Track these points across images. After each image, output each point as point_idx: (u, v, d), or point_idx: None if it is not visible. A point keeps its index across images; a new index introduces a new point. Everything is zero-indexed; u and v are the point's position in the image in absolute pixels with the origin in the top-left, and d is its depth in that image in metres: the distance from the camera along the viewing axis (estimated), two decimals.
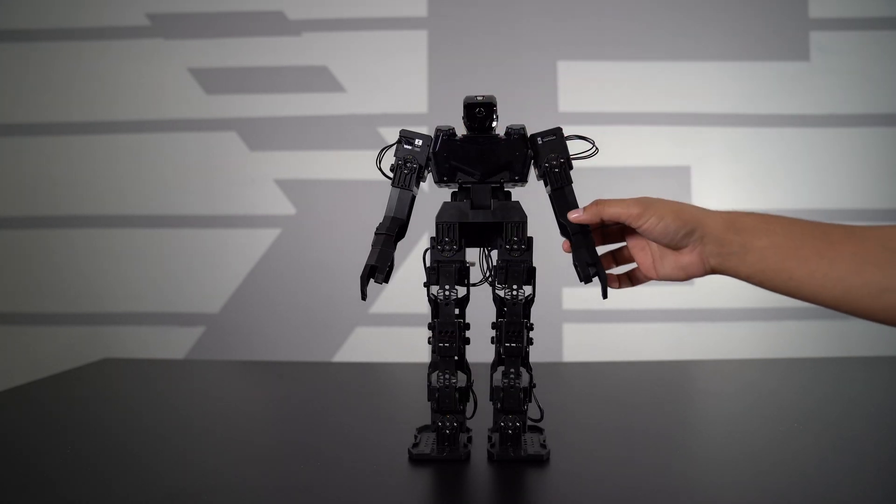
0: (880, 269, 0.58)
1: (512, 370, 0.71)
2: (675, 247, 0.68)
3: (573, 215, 0.70)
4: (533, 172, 0.74)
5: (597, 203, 0.69)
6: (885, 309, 0.59)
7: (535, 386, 0.73)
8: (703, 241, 0.66)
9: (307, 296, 2.03)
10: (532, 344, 0.73)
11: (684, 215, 0.66)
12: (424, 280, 0.72)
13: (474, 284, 0.74)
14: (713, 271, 0.67)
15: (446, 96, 2.01)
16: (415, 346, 1.94)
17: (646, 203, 0.67)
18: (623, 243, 0.75)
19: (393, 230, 0.73)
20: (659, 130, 2.01)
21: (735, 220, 0.65)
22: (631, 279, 0.75)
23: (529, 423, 0.76)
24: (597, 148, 0.74)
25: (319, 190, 2.04)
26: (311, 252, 2.03)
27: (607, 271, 0.73)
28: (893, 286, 0.58)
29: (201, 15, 2.05)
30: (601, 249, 0.74)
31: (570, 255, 0.72)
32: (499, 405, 0.72)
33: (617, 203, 0.68)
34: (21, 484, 0.65)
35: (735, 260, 0.64)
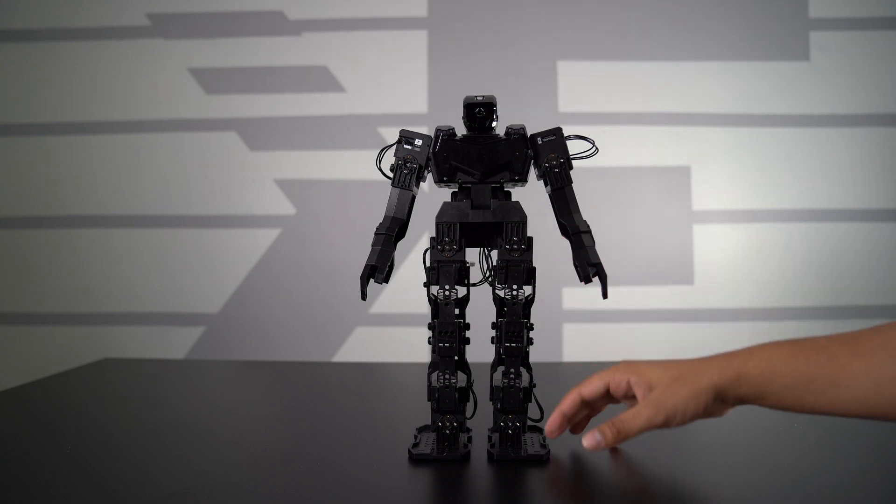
0: None
1: (512, 370, 0.71)
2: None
3: (589, 444, 0.66)
4: (533, 172, 0.74)
5: (616, 429, 0.65)
6: None
7: (535, 386, 0.73)
8: (722, 405, 0.65)
9: (307, 296, 2.03)
10: (532, 344, 0.73)
11: (699, 398, 0.63)
12: (424, 280, 0.72)
13: (474, 284, 0.74)
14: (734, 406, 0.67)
15: (446, 96, 2.01)
16: (415, 346, 1.94)
17: (662, 408, 0.63)
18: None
19: (393, 230, 0.72)
20: (659, 130, 2.01)
21: (743, 375, 0.62)
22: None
23: (529, 423, 0.76)
24: (597, 148, 0.74)
25: (319, 190, 2.04)
26: (311, 252, 2.03)
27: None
28: None
29: (201, 15, 2.05)
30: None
31: (571, 255, 0.72)
32: (499, 405, 0.72)
33: (637, 420, 0.64)
34: (21, 484, 0.65)
35: (754, 403, 0.64)
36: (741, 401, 0.63)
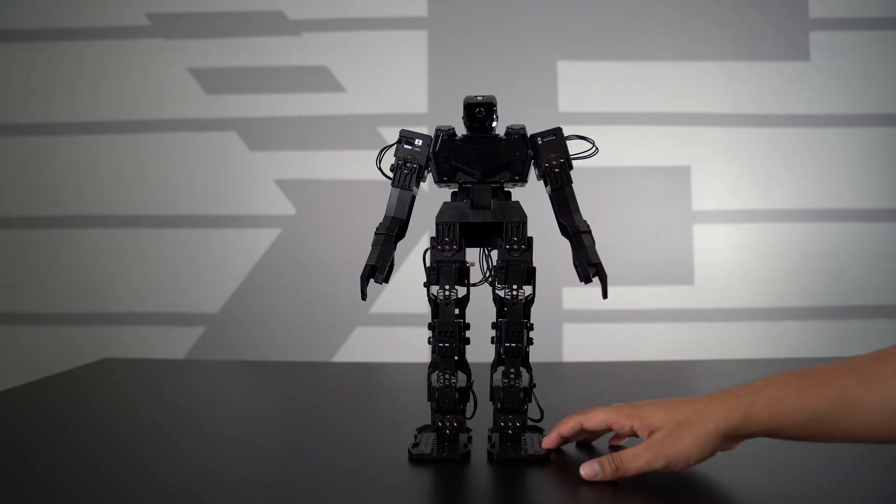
0: None
1: (512, 370, 0.71)
2: None
3: (587, 473, 0.64)
4: (533, 172, 0.74)
5: (615, 465, 0.64)
6: None
7: (535, 386, 0.73)
8: (731, 442, 0.65)
9: (307, 296, 2.03)
10: (532, 344, 0.73)
11: (706, 444, 0.62)
12: (424, 280, 0.72)
13: (474, 284, 0.74)
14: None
15: (446, 96, 2.01)
16: (415, 346, 1.94)
17: (663, 453, 0.62)
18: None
19: (393, 230, 0.72)
20: (659, 130, 2.01)
21: (750, 416, 0.61)
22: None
23: (529, 423, 0.76)
24: (597, 148, 0.74)
25: (319, 190, 2.04)
26: (311, 252, 2.03)
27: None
28: None
29: (201, 15, 2.05)
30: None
31: (571, 255, 0.72)
32: (499, 405, 0.72)
33: (636, 461, 0.63)
34: (21, 484, 0.65)
35: (767, 437, 0.63)
36: (751, 437, 0.63)
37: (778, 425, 0.61)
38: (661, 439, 0.63)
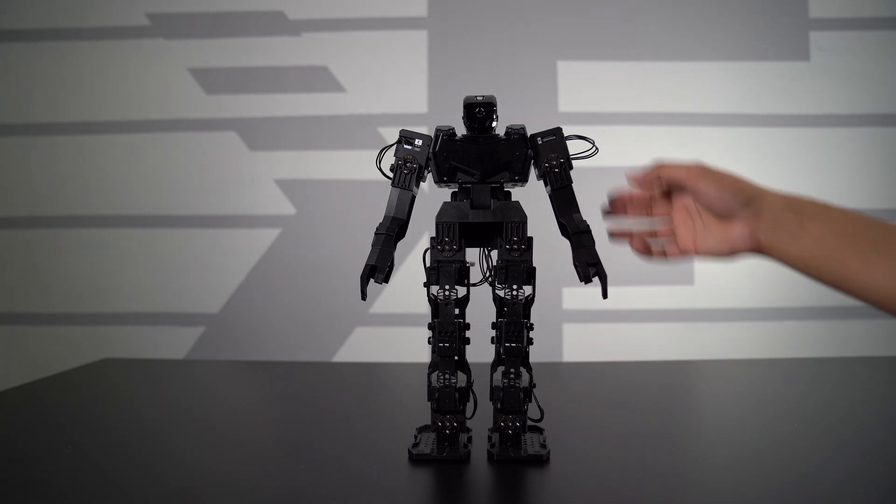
0: None
1: (512, 370, 0.71)
2: (728, 216, 0.65)
3: (631, 174, 0.68)
4: (533, 172, 0.74)
5: (657, 164, 0.67)
6: None
7: (535, 386, 0.73)
8: (758, 215, 0.63)
9: (307, 296, 2.03)
10: (532, 344, 0.73)
11: (743, 185, 0.64)
12: (424, 280, 0.72)
13: (474, 284, 0.74)
14: (760, 249, 0.65)
15: (446, 96, 2.01)
16: (415, 346, 1.94)
17: (706, 168, 0.65)
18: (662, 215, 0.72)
19: (393, 230, 0.72)
20: (659, 130, 2.01)
21: (795, 202, 0.62)
22: (666, 253, 0.71)
23: (529, 423, 0.76)
24: (597, 148, 0.74)
25: (319, 190, 2.04)
26: (311, 252, 2.03)
27: (649, 239, 0.71)
28: None
29: (201, 15, 2.05)
30: (642, 221, 0.72)
31: (571, 255, 0.72)
32: (499, 405, 0.72)
33: (677, 166, 0.67)
34: (21, 484, 0.65)
35: (788, 240, 0.62)
36: (776, 226, 0.62)
37: (816, 222, 0.60)
38: (709, 168, 0.65)
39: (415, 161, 0.73)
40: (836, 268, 0.59)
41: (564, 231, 0.73)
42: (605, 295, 0.71)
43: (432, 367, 0.72)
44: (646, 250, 0.71)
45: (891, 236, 0.58)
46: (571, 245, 0.72)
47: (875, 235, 0.58)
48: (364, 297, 0.71)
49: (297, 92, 2.04)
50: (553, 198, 0.73)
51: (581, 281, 0.72)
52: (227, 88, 2.05)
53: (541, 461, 0.70)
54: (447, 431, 0.72)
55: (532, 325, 0.72)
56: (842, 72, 1.98)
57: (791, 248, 0.62)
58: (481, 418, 0.76)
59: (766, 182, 0.67)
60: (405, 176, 0.73)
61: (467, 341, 0.73)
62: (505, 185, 0.73)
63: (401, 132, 0.74)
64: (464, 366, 0.73)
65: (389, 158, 0.74)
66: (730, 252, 0.66)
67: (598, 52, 2.02)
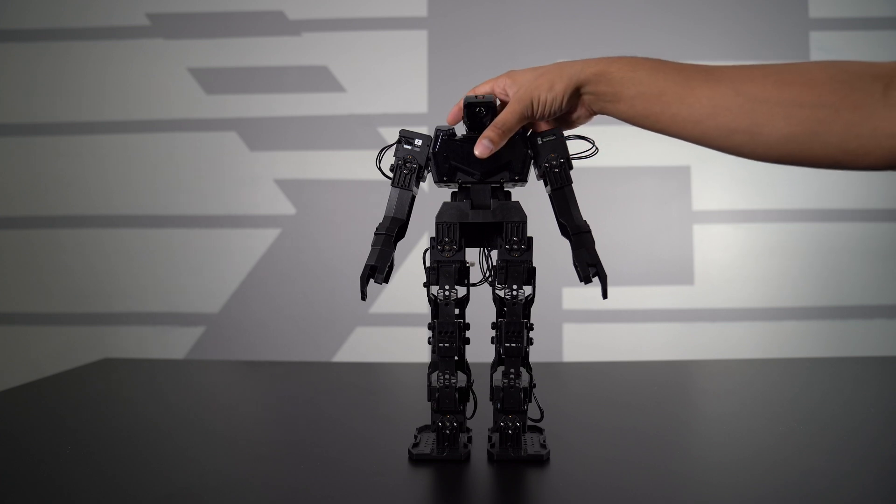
0: (731, 114, 0.65)
1: (512, 370, 0.71)
2: (567, 111, 0.72)
3: (481, 151, 0.70)
4: (533, 172, 0.74)
5: (496, 129, 0.70)
6: (733, 147, 0.69)
7: (535, 386, 0.73)
8: (583, 95, 0.71)
9: (307, 296, 2.03)
10: (532, 344, 0.73)
11: (557, 87, 0.69)
12: (424, 280, 0.72)
13: (474, 284, 0.74)
14: (596, 114, 0.73)
15: (446, 96, 2.01)
16: (415, 346, 1.94)
17: (524, 98, 0.69)
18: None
19: (393, 230, 0.72)
20: None
21: (605, 73, 0.69)
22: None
23: (529, 423, 0.76)
24: (597, 148, 0.74)
25: (319, 190, 2.04)
26: (311, 252, 2.03)
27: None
28: (741, 128, 0.65)
29: (201, 15, 2.05)
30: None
31: (570, 255, 0.72)
32: (499, 405, 0.72)
33: (508, 114, 0.69)
34: (21, 484, 0.65)
35: (610, 107, 0.70)
36: (598, 100, 0.70)
37: (624, 90, 0.68)
38: (522, 90, 0.70)
39: (414, 161, 0.73)
40: (651, 122, 0.69)
41: (564, 231, 0.73)
42: (604, 295, 0.71)
43: (432, 367, 0.72)
44: None
45: (689, 85, 0.67)
46: (571, 245, 0.72)
47: (677, 87, 0.67)
48: (364, 297, 0.71)
49: (296, 92, 2.04)
50: (553, 198, 0.73)
51: (581, 281, 0.72)
52: (226, 88, 2.05)
53: (541, 461, 0.70)
54: (447, 431, 0.72)
55: (532, 325, 0.72)
56: None
57: (614, 112, 0.71)
58: (481, 418, 0.76)
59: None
60: (405, 176, 0.73)
61: (467, 341, 0.73)
62: (505, 185, 0.73)
63: (400, 132, 0.74)
64: (464, 366, 0.73)
65: (389, 158, 0.74)
66: (576, 126, 0.76)
67: (597, 53, 2.00)
